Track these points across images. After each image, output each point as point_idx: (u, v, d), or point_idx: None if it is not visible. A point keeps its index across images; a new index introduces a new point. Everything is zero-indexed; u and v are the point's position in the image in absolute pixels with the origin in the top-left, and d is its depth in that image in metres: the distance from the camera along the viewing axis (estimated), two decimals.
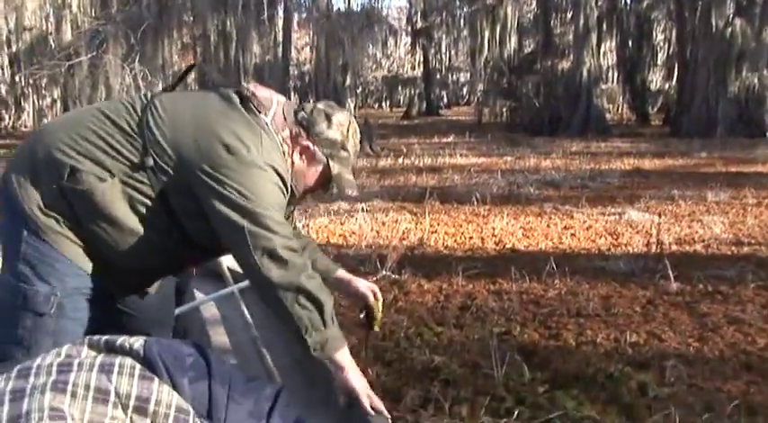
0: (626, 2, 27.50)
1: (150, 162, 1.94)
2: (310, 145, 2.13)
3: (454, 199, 8.95)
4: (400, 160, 14.02)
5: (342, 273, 2.48)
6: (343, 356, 2.03)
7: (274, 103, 2.11)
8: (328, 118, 2.14)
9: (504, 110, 26.13)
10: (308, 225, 7.32)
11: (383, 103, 46.86)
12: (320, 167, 2.16)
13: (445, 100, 44.32)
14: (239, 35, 20.44)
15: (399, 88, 42.26)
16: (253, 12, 20.44)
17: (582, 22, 21.93)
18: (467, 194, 9.11)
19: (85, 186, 1.92)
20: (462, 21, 29.08)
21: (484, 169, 12.39)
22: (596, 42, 23.28)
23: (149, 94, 2.11)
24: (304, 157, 2.14)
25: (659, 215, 7.51)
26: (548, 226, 7.29)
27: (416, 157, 14.38)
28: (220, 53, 21.07)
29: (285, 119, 2.11)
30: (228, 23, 20.27)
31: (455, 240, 6.66)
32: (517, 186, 10.21)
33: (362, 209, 8.03)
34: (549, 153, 15.44)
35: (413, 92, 38.54)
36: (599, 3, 24.14)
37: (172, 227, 2.01)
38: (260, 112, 2.05)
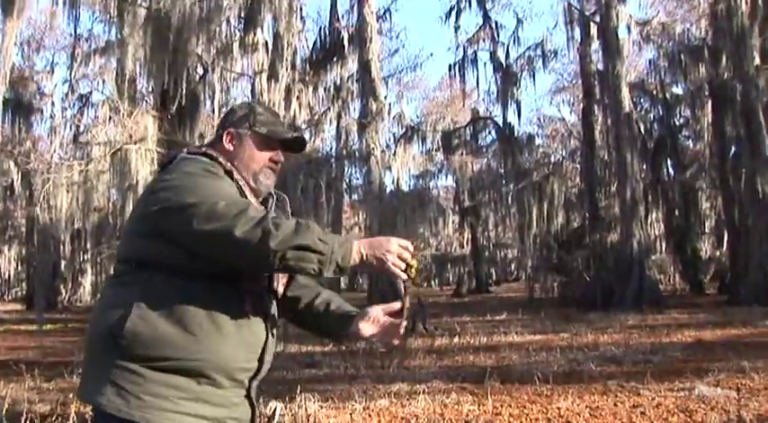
0: (668, 173, 28.02)
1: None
2: (231, 129, 2.28)
3: (515, 378, 8.75)
4: (456, 339, 13.86)
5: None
6: (356, 251, 1.98)
7: (182, 150, 2.29)
8: (230, 112, 2.35)
9: (555, 285, 26.04)
10: (368, 407, 7.22)
11: (432, 282, 47.06)
12: (249, 140, 2.28)
13: (494, 276, 44.46)
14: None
15: (448, 266, 42.61)
16: (311, 195, 21.14)
17: (628, 194, 22.13)
18: (527, 373, 8.91)
19: (127, 331, 1.93)
20: (509, 198, 29.65)
21: (541, 347, 12.17)
22: (644, 214, 23.44)
23: None
24: (234, 141, 2.28)
25: (737, 390, 7.16)
26: (615, 405, 7.07)
27: (471, 336, 14.23)
28: None
29: (201, 146, 2.31)
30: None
31: (521, 422, 6.49)
32: (577, 363, 9.97)
33: (423, 390, 7.90)
34: (606, 328, 15.17)
35: (462, 269, 38.73)
36: (642, 175, 24.56)
37: (198, 282, 2.02)
38: (168, 163, 2.23)
